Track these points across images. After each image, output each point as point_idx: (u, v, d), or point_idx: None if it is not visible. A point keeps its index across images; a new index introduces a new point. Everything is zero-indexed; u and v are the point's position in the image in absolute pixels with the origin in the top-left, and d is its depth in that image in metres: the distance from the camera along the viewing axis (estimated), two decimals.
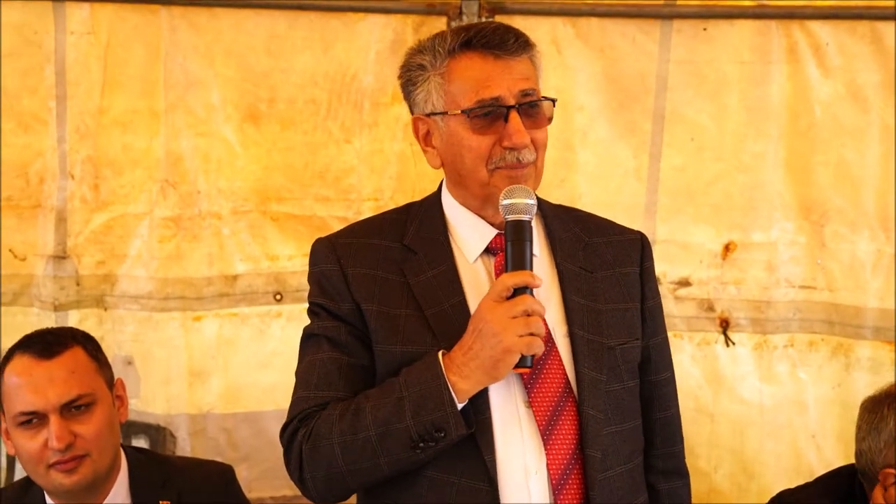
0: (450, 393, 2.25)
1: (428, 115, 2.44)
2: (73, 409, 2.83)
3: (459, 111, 2.37)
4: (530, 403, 2.33)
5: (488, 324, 2.23)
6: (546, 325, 2.35)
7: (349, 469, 2.32)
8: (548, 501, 2.30)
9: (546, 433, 2.32)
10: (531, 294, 2.26)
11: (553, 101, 2.44)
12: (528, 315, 2.24)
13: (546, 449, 2.31)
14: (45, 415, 2.81)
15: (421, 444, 2.26)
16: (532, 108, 2.39)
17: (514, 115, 2.35)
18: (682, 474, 2.63)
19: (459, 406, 2.26)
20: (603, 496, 2.33)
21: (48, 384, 2.82)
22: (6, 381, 2.87)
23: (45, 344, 2.88)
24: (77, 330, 3.05)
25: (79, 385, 2.85)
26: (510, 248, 2.30)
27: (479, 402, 2.30)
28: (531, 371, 2.32)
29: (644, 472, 2.53)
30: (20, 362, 2.86)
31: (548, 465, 2.31)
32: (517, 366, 2.25)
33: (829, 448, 3.93)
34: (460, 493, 2.30)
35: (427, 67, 2.42)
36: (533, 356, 2.26)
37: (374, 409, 2.29)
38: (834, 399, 3.95)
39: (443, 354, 2.29)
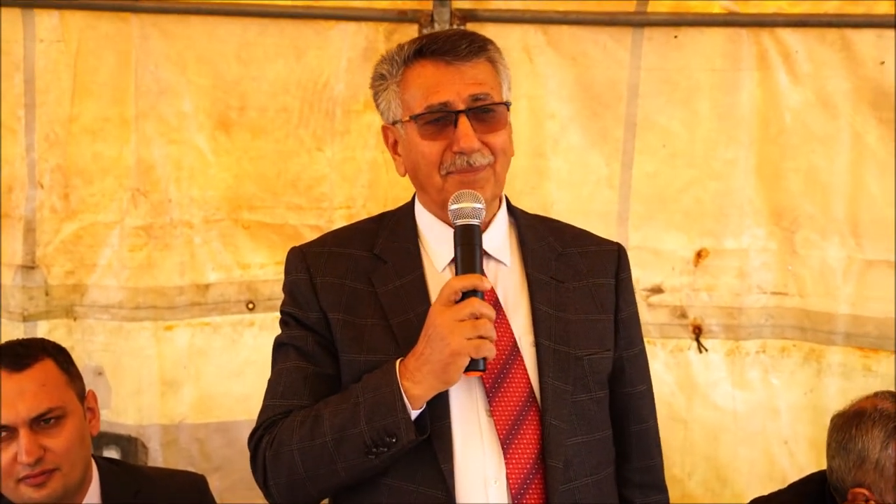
0: (402, 399, 2.25)
1: (392, 124, 2.48)
2: (42, 422, 2.81)
3: (409, 118, 2.40)
4: (491, 412, 2.33)
5: (437, 328, 2.24)
6: (513, 334, 2.37)
7: (308, 475, 2.34)
8: None
9: (506, 442, 2.32)
10: (481, 298, 2.26)
11: (507, 104, 2.45)
12: (476, 318, 2.24)
13: (506, 458, 2.32)
14: (14, 428, 2.79)
15: (374, 450, 2.28)
16: (484, 113, 2.40)
17: (462, 120, 2.37)
18: (660, 489, 2.64)
19: (414, 412, 2.27)
20: None
21: (18, 398, 2.80)
22: None
23: (15, 356, 2.85)
24: (48, 342, 3.02)
25: (49, 398, 2.82)
26: (459, 252, 2.31)
27: (439, 409, 2.31)
28: (494, 379, 2.34)
29: (620, 486, 2.54)
30: None
31: (507, 474, 2.31)
32: (469, 369, 2.25)
33: (802, 454, 3.95)
34: (418, 500, 2.31)
35: (387, 77, 2.46)
36: (485, 359, 2.26)
37: (331, 416, 2.32)
38: (806, 405, 3.97)
39: (400, 362, 2.30)
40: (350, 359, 2.39)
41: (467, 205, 2.32)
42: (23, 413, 2.79)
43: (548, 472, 2.32)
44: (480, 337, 2.23)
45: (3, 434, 2.80)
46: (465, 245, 2.30)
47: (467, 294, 2.25)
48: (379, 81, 2.48)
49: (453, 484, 2.29)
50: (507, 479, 2.30)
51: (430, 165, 2.40)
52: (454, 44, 2.39)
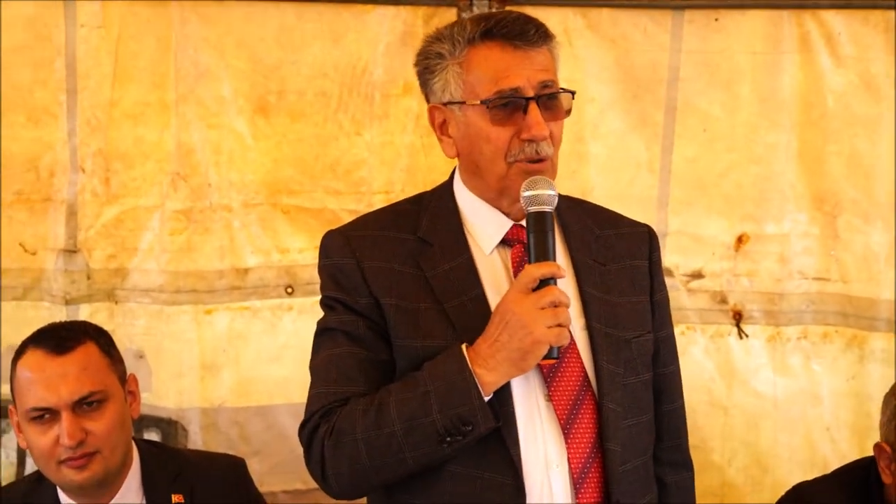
0: (476, 386, 2.24)
1: (445, 105, 2.42)
2: (84, 405, 2.83)
3: (478, 101, 2.36)
4: (550, 397, 2.33)
5: (516, 315, 2.22)
6: None
7: (373, 465, 2.30)
8: (568, 494, 2.31)
9: (566, 427, 2.32)
10: (556, 285, 2.26)
11: (572, 93, 2.42)
12: (556, 306, 2.23)
13: (567, 443, 2.31)
14: (56, 411, 2.81)
15: (448, 439, 2.25)
16: (551, 101, 2.38)
17: (533, 107, 2.34)
18: (687, 467, 2.64)
19: (486, 399, 2.25)
20: (622, 489, 2.34)
21: (60, 380, 2.82)
22: (19, 375, 2.87)
23: (58, 339, 2.87)
24: (90, 324, 3.04)
25: (91, 382, 2.84)
26: (533, 240, 2.29)
27: (503, 396, 2.29)
28: (550, 364, 2.33)
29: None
30: (33, 357, 2.86)
31: (569, 458, 2.31)
32: (544, 357, 2.25)
33: (844, 441, 3.92)
34: (485, 487, 2.30)
35: (445, 56, 2.40)
36: (560, 347, 2.25)
37: (398, 404, 2.28)
38: (848, 391, 3.94)
39: (466, 347, 2.28)
40: (406, 344, 2.36)
41: (543, 192, 2.30)
42: (65, 396, 2.81)
43: (607, 455, 2.33)
44: (559, 325, 2.23)
45: (46, 416, 2.83)
46: (539, 232, 2.29)
47: (543, 282, 2.24)
48: (436, 60, 2.41)
49: (521, 469, 2.28)
50: (569, 463, 2.30)
51: (497, 152, 2.36)
52: (523, 28, 2.35)
